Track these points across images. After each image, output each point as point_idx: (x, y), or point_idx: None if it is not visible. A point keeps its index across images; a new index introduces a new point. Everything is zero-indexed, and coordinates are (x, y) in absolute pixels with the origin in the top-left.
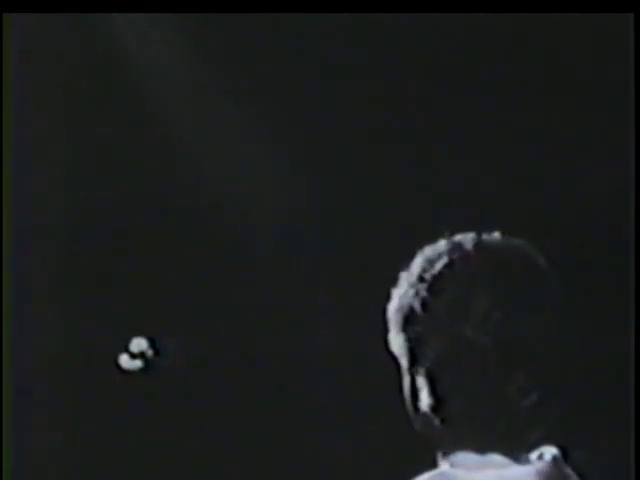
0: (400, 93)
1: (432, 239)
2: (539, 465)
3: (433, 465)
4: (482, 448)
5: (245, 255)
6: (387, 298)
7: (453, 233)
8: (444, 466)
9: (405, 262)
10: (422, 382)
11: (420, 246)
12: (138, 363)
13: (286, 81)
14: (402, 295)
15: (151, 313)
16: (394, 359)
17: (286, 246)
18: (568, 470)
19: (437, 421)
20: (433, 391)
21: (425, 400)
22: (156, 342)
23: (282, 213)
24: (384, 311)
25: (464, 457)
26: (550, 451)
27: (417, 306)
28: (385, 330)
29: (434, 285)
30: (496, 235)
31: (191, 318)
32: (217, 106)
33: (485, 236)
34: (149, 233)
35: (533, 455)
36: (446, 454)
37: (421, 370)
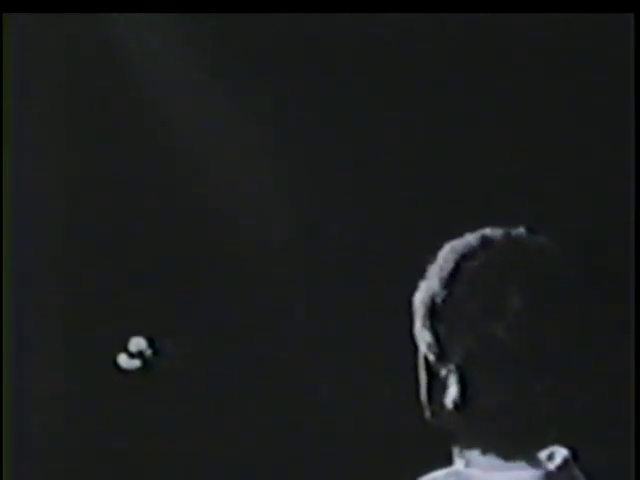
0: (401, 92)
1: (447, 234)
2: (550, 468)
3: (448, 460)
4: (500, 447)
5: (245, 255)
6: (408, 290)
7: (475, 228)
8: (459, 464)
9: (426, 255)
10: (450, 378)
11: (440, 241)
12: (137, 363)
13: (286, 81)
14: (432, 289)
15: (150, 313)
16: (414, 351)
17: (287, 246)
18: (577, 472)
19: (458, 417)
20: (459, 387)
21: (451, 396)
22: (155, 342)
23: (283, 213)
24: (409, 303)
25: (479, 457)
26: (561, 452)
27: (448, 302)
28: (409, 322)
29: (467, 282)
30: (522, 231)
31: (190, 318)
32: (217, 106)
33: (514, 231)
34: (149, 233)
35: (543, 454)
36: (462, 451)
37: (448, 366)
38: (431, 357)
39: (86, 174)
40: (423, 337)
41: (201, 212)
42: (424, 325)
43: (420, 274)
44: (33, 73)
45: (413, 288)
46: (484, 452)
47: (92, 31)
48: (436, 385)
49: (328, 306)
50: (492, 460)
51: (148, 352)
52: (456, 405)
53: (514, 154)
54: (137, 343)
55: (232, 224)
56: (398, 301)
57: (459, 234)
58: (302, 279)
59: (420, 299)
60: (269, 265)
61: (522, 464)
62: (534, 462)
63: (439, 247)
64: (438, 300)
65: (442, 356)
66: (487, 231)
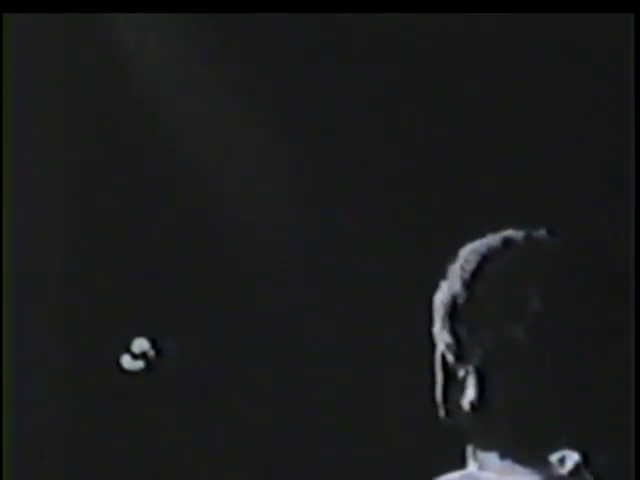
0: (399, 91)
1: (466, 235)
2: (562, 473)
3: (461, 461)
4: (514, 448)
5: (246, 255)
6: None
7: (495, 229)
8: (472, 467)
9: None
10: (468, 379)
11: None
12: (140, 364)
13: (286, 81)
14: (453, 290)
15: (153, 313)
16: (431, 350)
17: (287, 246)
18: (589, 477)
19: (473, 418)
20: (478, 388)
21: (468, 397)
22: (158, 343)
23: (283, 213)
24: (430, 303)
25: (492, 459)
26: (572, 457)
27: (469, 303)
28: (429, 323)
29: (488, 283)
30: (543, 232)
31: (193, 318)
32: (217, 106)
33: (535, 233)
34: (150, 233)
35: (553, 458)
36: (475, 452)
37: (467, 366)
38: (449, 357)
39: (86, 174)
40: (442, 337)
41: (201, 212)
42: (444, 326)
43: (433, 274)
44: (33, 73)
45: (418, 288)
46: (498, 454)
47: (92, 31)
48: (453, 385)
49: (334, 306)
50: (505, 463)
51: (151, 353)
52: (473, 406)
53: (529, 154)
54: (140, 344)
55: (232, 224)
56: (404, 300)
57: (479, 235)
58: (303, 277)
59: (441, 299)
60: (270, 264)
61: (534, 468)
62: (546, 466)
63: (457, 247)
64: (459, 301)
65: (461, 357)
66: (509, 232)
